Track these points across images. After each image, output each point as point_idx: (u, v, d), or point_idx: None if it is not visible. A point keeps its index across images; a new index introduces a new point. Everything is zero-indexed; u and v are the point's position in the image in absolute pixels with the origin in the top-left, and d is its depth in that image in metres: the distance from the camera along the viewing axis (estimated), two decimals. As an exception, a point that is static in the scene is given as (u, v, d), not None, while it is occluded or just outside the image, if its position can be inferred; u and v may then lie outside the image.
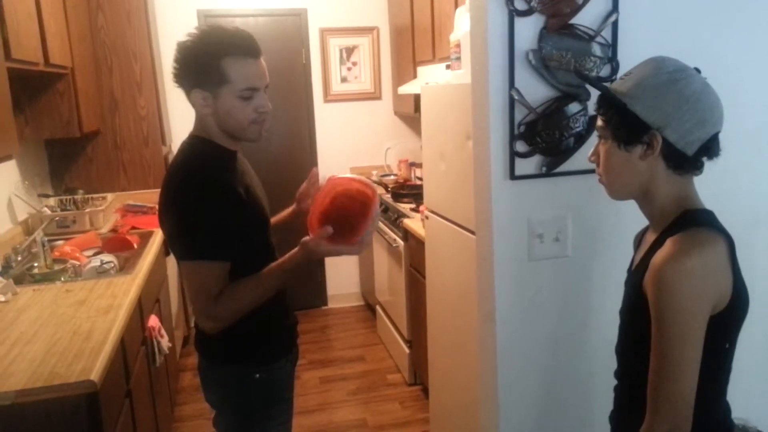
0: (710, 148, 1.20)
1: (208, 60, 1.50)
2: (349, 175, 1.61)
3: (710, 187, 1.84)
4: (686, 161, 1.20)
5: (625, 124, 1.21)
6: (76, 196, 3.54)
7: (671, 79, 1.17)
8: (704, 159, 1.22)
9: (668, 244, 1.16)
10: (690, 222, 1.20)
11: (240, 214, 1.55)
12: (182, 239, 1.54)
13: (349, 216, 1.53)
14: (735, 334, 1.24)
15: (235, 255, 1.53)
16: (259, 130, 1.60)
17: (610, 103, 1.23)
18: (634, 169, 1.23)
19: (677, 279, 1.11)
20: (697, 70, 1.21)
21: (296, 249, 1.56)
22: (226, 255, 1.52)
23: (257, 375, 1.68)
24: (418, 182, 4.07)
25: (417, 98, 3.82)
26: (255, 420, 1.70)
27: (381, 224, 3.97)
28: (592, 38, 1.69)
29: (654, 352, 1.15)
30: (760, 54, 1.84)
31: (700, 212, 1.23)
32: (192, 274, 1.53)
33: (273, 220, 1.81)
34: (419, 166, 4.15)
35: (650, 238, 1.28)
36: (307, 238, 1.54)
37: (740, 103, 1.84)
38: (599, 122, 1.28)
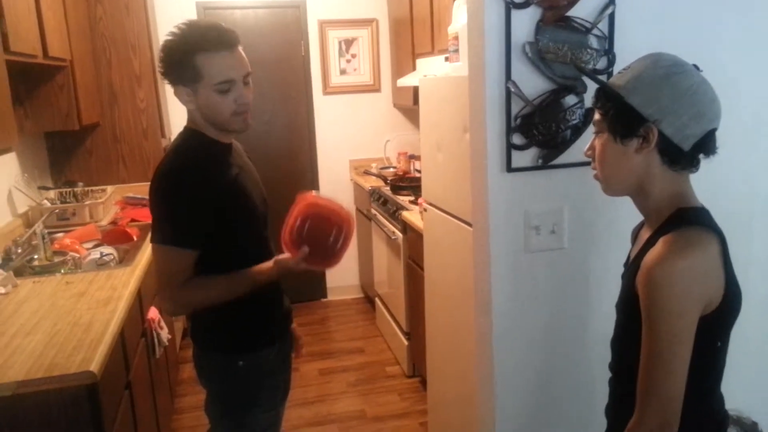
0: (706, 144, 1.19)
1: (182, 58, 1.56)
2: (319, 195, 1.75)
3: (705, 182, 1.85)
4: (682, 156, 1.19)
5: (622, 117, 1.20)
6: (75, 189, 3.55)
7: (668, 72, 1.16)
8: (701, 156, 1.21)
9: (660, 244, 1.15)
10: (683, 221, 1.19)
11: (218, 206, 1.60)
12: (156, 223, 1.61)
13: (322, 235, 1.65)
14: (727, 333, 1.24)
15: (207, 245, 1.60)
16: (242, 120, 1.65)
17: (607, 96, 1.23)
18: (629, 164, 1.22)
19: (667, 280, 1.11)
20: (696, 68, 1.20)
21: (270, 264, 1.67)
22: (194, 244, 1.59)
23: (241, 363, 1.73)
24: (418, 175, 4.08)
25: (416, 90, 3.82)
26: (239, 407, 1.74)
27: (380, 217, 3.98)
28: (588, 30, 1.69)
29: (644, 350, 1.16)
30: (755, 47, 1.84)
31: (693, 210, 1.22)
32: (159, 258, 1.61)
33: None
34: (419, 158, 4.15)
35: (645, 234, 1.28)
36: (282, 257, 1.66)
37: (736, 98, 1.84)
38: (596, 115, 1.27)
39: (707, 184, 1.87)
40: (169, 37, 1.58)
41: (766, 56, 1.86)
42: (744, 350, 2.00)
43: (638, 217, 1.39)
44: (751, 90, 1.86)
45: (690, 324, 1.12)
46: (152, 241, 1.61)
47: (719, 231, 1.19)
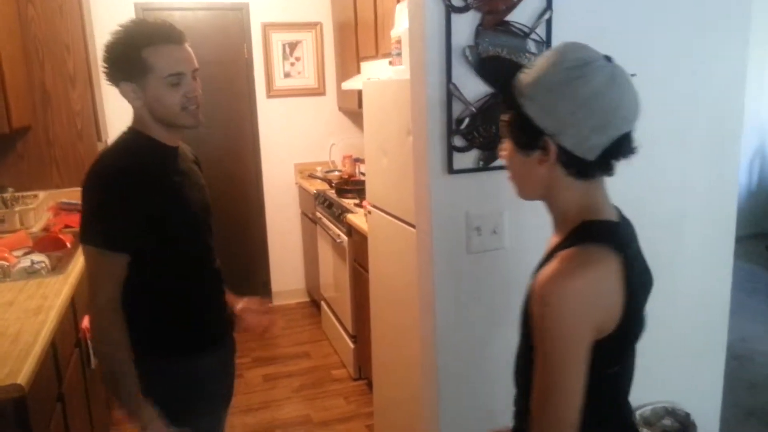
0: (616, 150, 1.07)
1: (129, 51, 1.53)
2: None
3: (638, 182, 1.92)
4: (588, 167, 1.08)
5: (521, 127, 1.09)
6: (5, 195, 3.39)
7: (569, 77, 1.03)
8: (613, 161, 1.10)
9: (556, 261, 1.05)
10: (584, 236, 1.09)
11: (153, 212, 1.55)
12: (85, 222, 1.56)
13: None
14: (625, 357, 1.15)
15: (147, 253, 1.56)
16: (193, 115, 1.61)
17: (508, 101, 1.12)
18: (534, 174, 1.12)
19: (557, 301, 1.01)
20: (608, 59, 1.07)
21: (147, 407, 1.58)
22: (124, 247, 1.54)
23: (178, 368, 1.68)
24: (362, 178, 4.07)
25: (361, 94, 3.82)
26: (179, 412, 1.69)
27: (325, 220, 3.96)
28: (527, 35, 1.73)
29: (536, 372, 1.07)
30: (688, 52, 1.92)
31: (598, 225, 1.11)
32: (89, 259, 1.56)
33: None
34: (364, 161, 4.15)
35: (553, 241, 1.18)
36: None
37: (668, 100, 1.92)
38: (501, 120, 1.16)
39: (640, 184, 1.93)
40: (113, 36, 1.55)
41: (695, 58, 1.93)
42: (677, 346, 2.08)
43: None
44: (683, 92, 1.93)
45: (581, 348, 1.03)
46: (81, 240, 1.56)
47: (623, 248, 1.08)
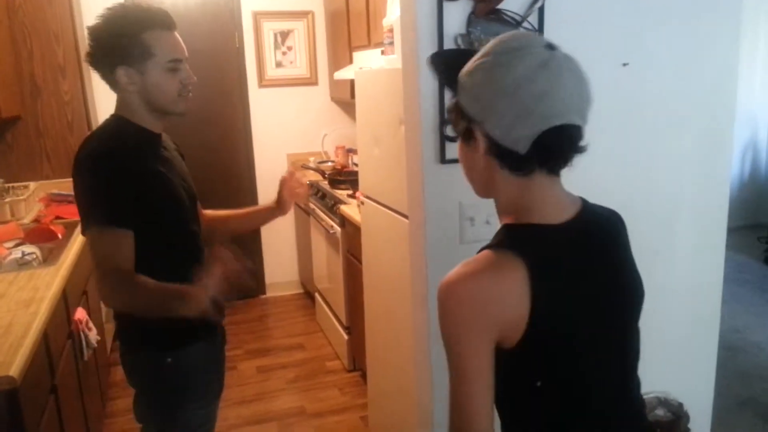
0: (553, 145, 1.01)
1: (128, 36, 1.50)
2: None
3: (631, 174, 1.91)
4: (523, 161, 1.02)
5: (458, 115, 1.07)
6: (-6, 186, 3.37)
7: (496, 62, 1.00)
8: (552, 156, 1.04)
9: (460, 263, 1.03)
10: (497, 241, 1.06)
11: (139, 195, 1.53)
12: (83, 211, 1.53)
13: None
14: (551, 371, 1.04)
15: (136, 228, 1.51)
16: (185, 102, 1.62)
17: (454, 90, 1.10)
18: (476, 166, 1.08)
19: (451, 303, 1.00)
20: (550, 47, 1.01)
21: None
22: (127, 223, 1.49)
23: (169, 359, 1.67)
24: (355, 168, 4.06)
25: (353, 84, 3.80)
26: (169, 404, 1.69)
27: (319, 211, 3.96)
28: (519, 23, 1.72)
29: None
30: (681, 42, 1.91)
31: (517, 229, 1.06)
32: (93, 244, 1.51)
33: (244, 211, 2.00)
34: (356, 152, 4.14)
35: None
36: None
37: (660, 91, 1.91)
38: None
39: (634, 175, 1.93)
40: (104, 19, 1.52)
41: (688, 48, 1.92)
42: (670, 336, 2.09)
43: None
44: (675, 82, 1.92)
45: (478, 354, 0.98)
46: (83, 230, 1.53)
47: (537, 257, 1.00)
